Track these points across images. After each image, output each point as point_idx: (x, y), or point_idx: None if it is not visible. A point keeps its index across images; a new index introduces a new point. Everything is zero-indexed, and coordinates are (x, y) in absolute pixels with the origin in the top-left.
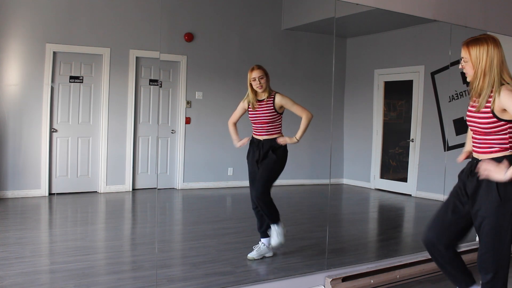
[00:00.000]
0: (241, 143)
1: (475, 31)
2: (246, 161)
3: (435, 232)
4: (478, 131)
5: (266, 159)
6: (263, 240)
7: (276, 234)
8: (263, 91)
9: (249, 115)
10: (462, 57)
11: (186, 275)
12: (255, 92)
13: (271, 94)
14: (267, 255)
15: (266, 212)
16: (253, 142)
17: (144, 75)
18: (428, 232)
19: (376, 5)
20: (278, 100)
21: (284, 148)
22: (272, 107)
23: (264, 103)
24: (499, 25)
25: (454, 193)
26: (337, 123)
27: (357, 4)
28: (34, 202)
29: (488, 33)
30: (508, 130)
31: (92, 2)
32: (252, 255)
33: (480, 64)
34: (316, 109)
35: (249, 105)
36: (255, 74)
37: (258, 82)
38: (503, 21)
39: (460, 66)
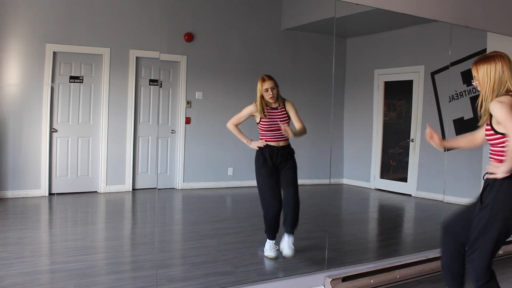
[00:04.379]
0: (259, 144)
1: (475, 31)
2: (245, 161)
3: (459, 224)
4: (489, 143)
5: (289, 163)
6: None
7: (289, 245)
8: (275, 101)
9: (264, 123)
10: (474, 76)
11: (186, 275)
12: (264, 102)
13: (283, 101)
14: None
15: (297, 213)
16: (267, 149)
17: (144, 75)
18: (452, 221)
19: (376, 5)
20: (288, 107)
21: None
22: (286, 114)
23: (279, 110)
24: (499, 25)
25: None
26: (337, 123)
27: (357, 4)
28: (34, 202)
29: (488, 33)
30: (506, 143)
31: (92, 2)
32: (273, 253)
33: (489, 83)
34: (316, 109)
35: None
36: (267, 85)
37: (270, 93)
38: (503, 21)
39: (473, 84)
